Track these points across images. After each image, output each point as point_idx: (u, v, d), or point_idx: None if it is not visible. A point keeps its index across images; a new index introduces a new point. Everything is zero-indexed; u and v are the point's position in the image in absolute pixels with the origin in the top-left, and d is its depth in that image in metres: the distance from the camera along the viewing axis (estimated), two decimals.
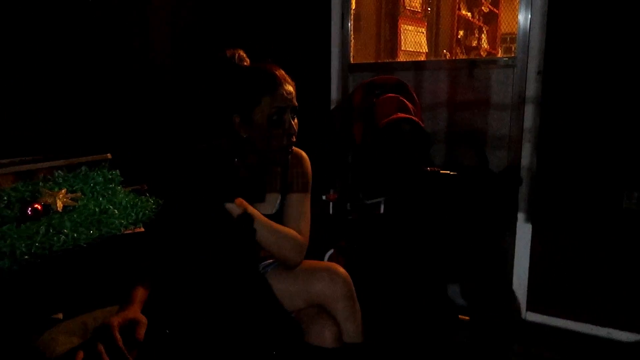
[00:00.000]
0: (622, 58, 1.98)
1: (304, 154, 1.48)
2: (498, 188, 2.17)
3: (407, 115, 2.08)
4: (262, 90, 1.30)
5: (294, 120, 1.35)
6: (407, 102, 2.16)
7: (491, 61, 2.39)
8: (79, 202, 1.64)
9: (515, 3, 2.18)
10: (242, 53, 1.38)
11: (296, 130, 1.36)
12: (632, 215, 2.04)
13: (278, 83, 1.31)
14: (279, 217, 1.43)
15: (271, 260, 1.47)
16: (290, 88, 1.34)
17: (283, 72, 1.36)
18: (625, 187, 2.04)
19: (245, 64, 1.37)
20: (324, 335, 1.30)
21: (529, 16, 2.14)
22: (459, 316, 2.23)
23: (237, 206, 1.27)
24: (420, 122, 2.11)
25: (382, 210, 2.25)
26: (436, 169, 2.14)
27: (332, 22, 2.62)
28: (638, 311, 2.08)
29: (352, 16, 2.63)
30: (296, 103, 1.35)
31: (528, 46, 2.17)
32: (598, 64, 2.03)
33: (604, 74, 2.03)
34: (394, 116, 2.07)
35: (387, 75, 2.38)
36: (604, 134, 2.05)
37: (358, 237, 2.23)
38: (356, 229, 2.26)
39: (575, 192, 2.14)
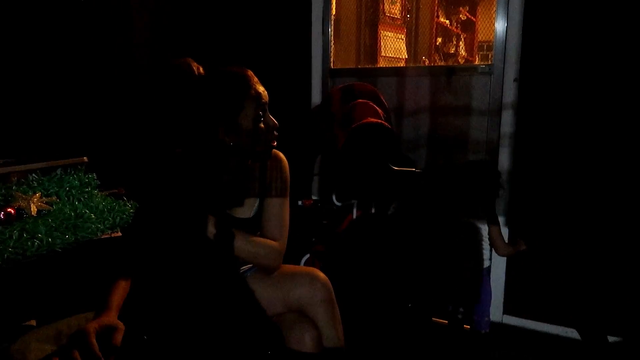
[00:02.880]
0: (594, 66, 2.04)
1: (282, 157, 1.48)
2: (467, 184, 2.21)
3: (376, 120, 2.14)
4: (243, 95, 1.29)
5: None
6: (378, 108, 2.22)
7: (469, 68, 2.42)
8: (54, 206, 1.61)
9: (492, 12, 2.22)
10: (193, 62, 1.35)
11: (278, 125, 1.37)
12: (603, 220, 2.09)
13: (253, 83, 1.32)
14: (256, 221, 1.43)
15: (250, 265, 1.46)
16: (261, 86, 1.35)
17: (250, 71, 1.36)
18: (597, 193, 2.09)
19: (201, 72, 1.34)
20: (304, 341, 1.30)
21: (505, 25, 2.19)
22: (434, 319, 2.25)
23: (211, 225, 1.28)
24: (388, 125, 2.18)
25: (354, 214, 2.27)
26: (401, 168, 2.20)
27: (313, 28, 2.62)
28: (610, 313, 2.13)
29: (332, 22, 2.64)
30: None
31: (505, 54, 2.22)
32: (572, 72, 2.09)
33: (577, 82, 2.08)
34: (364, 120, 2.13)
35: (367, 80, 2.41)
36: (578, 139, 2.11)
37: (332, 242, 2.24)
38: (330, 233, 2.27)
39: (550, 196, 2.19)
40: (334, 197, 2.28)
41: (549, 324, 2.26)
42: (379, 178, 2.19)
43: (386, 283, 2.09)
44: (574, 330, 2.21)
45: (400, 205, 2.22)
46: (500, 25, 2.21)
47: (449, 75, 2.40)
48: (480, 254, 2.01)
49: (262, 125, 1.32)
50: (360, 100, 2.23)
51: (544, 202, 2.21)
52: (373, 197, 2.24)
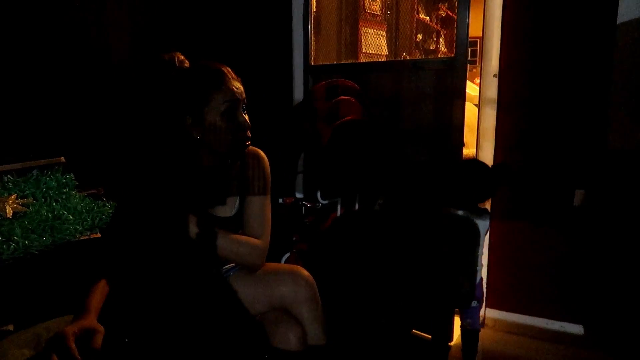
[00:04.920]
0: (572, 64, 2.07)
1: (262, 154, 1.47)
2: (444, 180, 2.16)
3: (356, 117, 2.14)
4: (211, 88, 1.28)
5: (245, 115, 1.34)
6: (360, 104, 2.24)
7: (432, 61, 2.42)
8: (30, 207, 1.57)
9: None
10: (180, 55, 1.35)
11: (250, 125, 1.35)
12: (580, 213, 2.13)
13: (226, 79, 1.30)
14: (237, 219, 1.42)
15: (233, 264, 1.45)
16: (237, 83, 1.33)
17: (229, 68, 1.34)
18: (575, 186, 2.13)
19: (185, 65, 1.34)
20: (288, 339, 1.30)
21: (467, 20, 2.16)
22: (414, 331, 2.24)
23: (192, 225, 1.27)
24: (369, 122, 2.18)
25: (339, 212, 2.26)
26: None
27: (294, 25, 2.62)
28: (588, 305, 2.17)
29: (312, 19, 2.63)
30: (245, 98, 1.34)
31: (483, 50, 2.23)
32: (550, 69, 2.12)
33: (556, 78, 2.11)
34: (346, 118, 2.13)
35: (347, 75, 2.40)
36: (556, 134, 2.14)
37: (315, 240, 2.23)
38: (313, 231, 2.26)
39: (531, 191, 2.22)
40: (318, 195, 2.27)
41: (530, 316, 2.30)
42: (364, 175, 2.19)
43: (369, 283, 2.08)
44: (554, 322, 2.25)
45: (385, 202, 2.22)
46: (461, 19, 2.17)
47: (415, 69, 2.39)
48: (470, 255, 1.88)
49: (226, 122, 1.29)
50: (343, 97, 2.23)
51: (525, 197, 2.24)
52: (358, 195, 2.24)
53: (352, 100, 2.24)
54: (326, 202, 2.27)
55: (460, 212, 1.84)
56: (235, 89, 1.30)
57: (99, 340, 0.98)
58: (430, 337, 2.11)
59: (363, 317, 2.04)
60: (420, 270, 1.97)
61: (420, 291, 1.97)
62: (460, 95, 2.18)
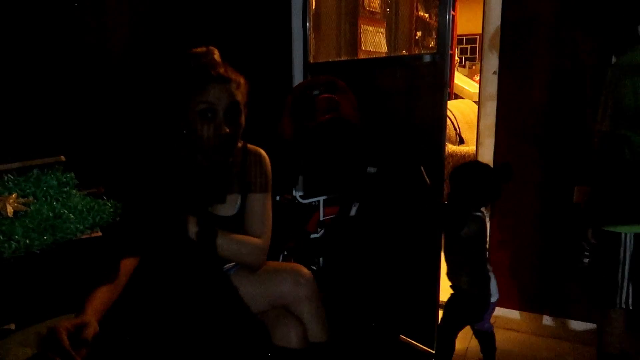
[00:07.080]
0: (572, 60, 2.07)
1: (263, 153, 1.47)
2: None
3: (336, 115, 2.10)
4: (191, 88, 1.27)
5: (238, 117, 1.32)
6: (346, 102, 2.19)
7: (415, 57, 2.41)
8: (31, 206, 1.57)
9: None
10: (214, 52, 1.34)
11: (237, 129, 1.32)
12: (579, 209, 2.13)
13: (208, 81, 1.27)
14: (239, 218, 1.42)
15: (233, 264, 1.45)
16: (229, 86, 1.29)
17: (222, 68, 1.30)
18: (575, 182, 2.13)
19: (213, 62, 1.32)
20: (289, 337, 1.30)
21: (448, 17, 2.13)
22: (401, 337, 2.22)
23: (192, 224, 1.26)
24: (355, 121, 2.13)
25: (321, 212, 2.22)
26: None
27: (293, 22, 2.62)
28: (588, 301, 2.18)
29: (311, 16, 2.63)
30: (237, 99, 1.30)
31: (481, 46, 2.23)
32: (551, 65, 2.12)
33: (556, 74, 2.11)
34: (327, 116, 2.09)
35: (344, 73, 2.38)
36: (557, 130, 2.14)
37: (301, 240, 2.21)
38: (299, 231, 2.24)
39: (531, 187, 2.22)
40: (297, 195, 2.22)
41: (529, 313, 2.30)
42: (343, 178, 2.14)
43: (357, 285, 2.07)
44: (555, 319, 2.26)
45: (367, 205, 2.18)
46: (442, 16, 2.15)
47: (400, 65, 2.37)
48: (479, 261, 1.84)
49: (200, 122, 1.28)
50: (324, 95, 2.19)
51: (525, 193, 2.24)
52: (342, 195, 2.20)
53: (334, 97, 2.17)
54: (304, 202, 2.23)
55: (463, 216, 1.78)
56: (217, 92, 1.27)
57: (89, 332, 0.98)
58: (417, 343, 2.11)
59: (353, 319, 2.04)
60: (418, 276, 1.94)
61: (421, 300, 1.94)
62: (442, 90, 2.16)
